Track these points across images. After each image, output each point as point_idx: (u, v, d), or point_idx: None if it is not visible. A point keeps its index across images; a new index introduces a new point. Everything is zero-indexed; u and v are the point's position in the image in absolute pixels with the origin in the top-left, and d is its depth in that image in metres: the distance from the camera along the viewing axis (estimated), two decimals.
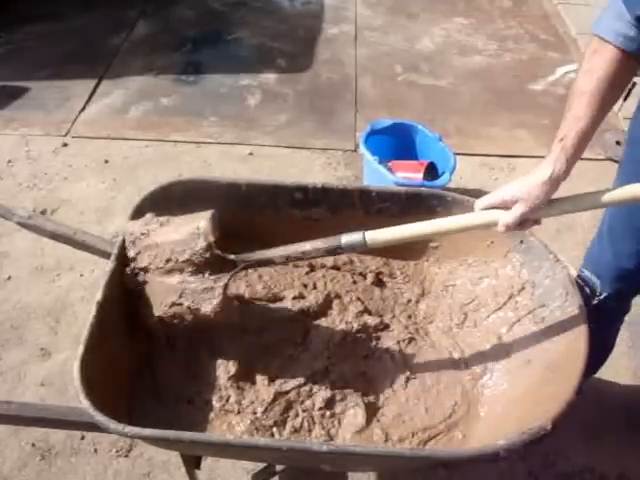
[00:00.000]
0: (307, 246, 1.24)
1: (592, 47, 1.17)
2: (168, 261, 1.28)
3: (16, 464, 1.85)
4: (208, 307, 1.27)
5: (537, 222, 1.22)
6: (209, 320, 1.29)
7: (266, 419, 1.32)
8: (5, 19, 3.83)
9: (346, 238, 1.22)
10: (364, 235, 1.21)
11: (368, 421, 1.33)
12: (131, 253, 1.32)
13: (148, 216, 1.36)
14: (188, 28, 3.95)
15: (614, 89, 1.15)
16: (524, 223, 1.19)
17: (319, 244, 1.24)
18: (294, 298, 1.50)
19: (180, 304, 1.28)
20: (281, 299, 1.51)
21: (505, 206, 1.17)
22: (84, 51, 3.67)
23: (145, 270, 1.31)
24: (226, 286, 1.28)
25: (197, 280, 1.28)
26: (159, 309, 1.30)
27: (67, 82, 3.40)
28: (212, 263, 1.27)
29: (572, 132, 1.14)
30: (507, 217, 1.17)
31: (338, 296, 1.52)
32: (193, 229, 1.28)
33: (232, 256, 1.28)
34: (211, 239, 1.27)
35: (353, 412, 1.35)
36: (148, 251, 1.30)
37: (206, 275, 1.28)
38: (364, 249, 1.24)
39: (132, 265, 1.32)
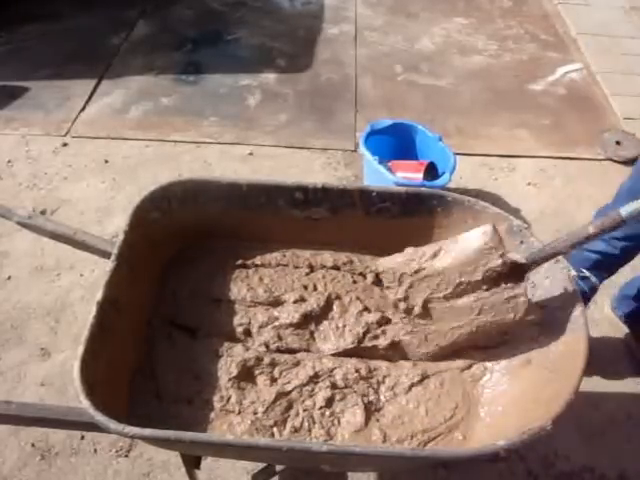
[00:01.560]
0: (590, 229, 1.24)
1: None
2: (459, 285, 1.33)
3: (16, 464, 1.85)
4: (514, 315, 1.31)
5: None
6: (514, 326, 1.33)
7: (267, 419, 1.32)
8: (5, 19, 3.82)
9: (626, 209, 1.19)
10: None
11: (367, 421, 1.34)
12: (399, 292, 1.39)
13: (409, 250, 1.40)
14: (188, 28, 3.95)
15: None
16: None
17: (602, 224, 1.23)
18: (295, 302, 1.50)
19: (480, 321, 1.34)
20: (282, 303, 1.51)
21: None
22: (84, 51, 3.66)
23: (426, 301, 1.37)
24: (526, 289, 1.31)
25: (495, 293, 1.32)
26: (455, 331, 1.36)
27: (67, 82, 3.39)
28: (505, 273, 1.31)
29: None
30: None
31: (339, 297, 1.52)
32: (480, 245, 1.32)
33: (523, 260, 1.32)
34: (502, 250, 1.31)
35: (352, 412, 1.35)
36: (426, 282, 1.36)
37: (503, 286, 1.32)
38: None
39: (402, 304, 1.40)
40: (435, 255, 1.37)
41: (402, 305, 1.42)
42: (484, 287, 1.32)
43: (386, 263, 1.43)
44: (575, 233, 1.27)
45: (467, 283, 1.32)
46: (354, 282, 1.57)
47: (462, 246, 1.34)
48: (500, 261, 1.29)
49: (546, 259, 1.32)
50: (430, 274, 1.36)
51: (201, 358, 1.40)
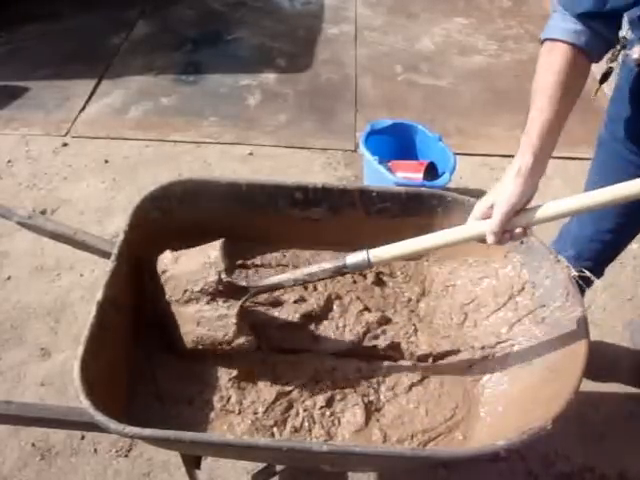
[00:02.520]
0: (314, 268, 1.27)
1: (545, 49, 1.23)
2: (185, 292, 1.33)
3: (16, 464, 1.85)
4: (222, 334, 1.31)
5: (525, 231, 1.18)
6: (227, 347, 1.33)
7: (267, 419, 1.32)
8: (5, 19, 3.83)
9: (351, 259, 1.23)
10: (368, 254, 1.22)
11: (367, 421, 1.33)
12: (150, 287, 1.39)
13: (166, 253, 1.40)
14: (188, 28, 3.95)
15: (571, 84, 1.18)
16: (512, 231, 1.16)
17: (325, 265, 1.26)
18: (295, 302, 1.50)
19: (199, 332, 1.33)
20: (282, 303, 1.51)
21: (488, 215, 1.16)
22: (84, 51, 3.67)
23: (167, 302, 1.36)
24: (239, 312, 1.31)
25: (212, 308, 1.32)
26: (184, 338, 1.35)
27: (67, 82, 3.40)
28: (224, 291, 1.31)
29: (535, 125, 1.16)
30: (491, 225, 1.14)
31: (339, 297, 1.52)
32: (205, 259, 1.33)
33: (243, 283, 1.33)
34: (221, 268, 1.30)
35: (352, 412, 1.35)
36: (168, 283, 1.36)
37: (219, 303, 1.32)
38: (369, 268, 1.25)
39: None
40: (176, 260, 1.37)
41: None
42: (205, 300, 1.32)
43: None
44: (299, 271, 1.29)
45: (191, 292, 1.33)
46: (354, 282, 1.57)
47: (196, 256, 1.36)
48: (216, 278, 1.30)
49: (269, 289, 1.34)
50: (169, 277, 1.36)
51: (202, 358, 1.40)
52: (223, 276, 1.30)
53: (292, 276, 1.29)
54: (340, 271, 1.26)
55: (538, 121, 1.16)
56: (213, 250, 1.34)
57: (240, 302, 1.31)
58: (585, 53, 1.20)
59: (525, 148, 1.16)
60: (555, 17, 1.26)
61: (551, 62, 1.20)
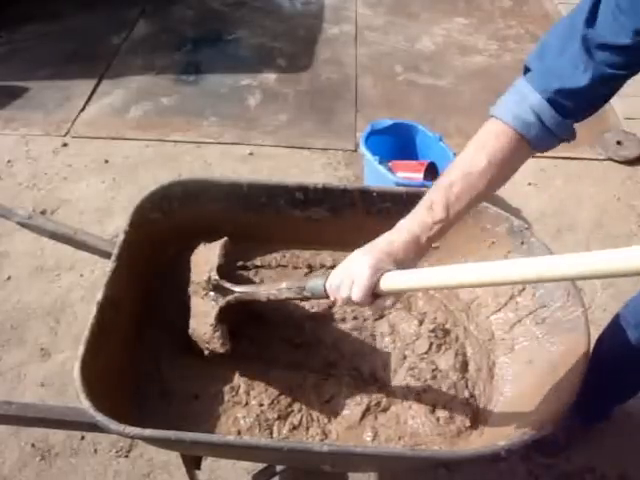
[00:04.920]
0: (282, 285, 1.23)
1: (490, 126, 1.09)
2: (192, 283, 1.37)
3: (16, 464, 1.85)
4: (203, 332, 1.31)
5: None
6: (206, 346, 1.32)
7: (271, 412, 1.32)
8: (5, 19, 3.82)
9: (309, 284, 1.16)
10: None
11: (362, 419, 1.34)
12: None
13: (200, 246, 1.44)
14: (188, 28, 3.95)
15: (501, 177, 1.09)
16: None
17: (287, 285, 1.22)
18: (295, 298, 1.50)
19: (192, 324, 1.34)
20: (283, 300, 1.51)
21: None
22: (84, 51, 3.66)
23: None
24: (218, 314, 1.30)
25: (203, 304, 1.33)
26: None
27: (67, 82, 3.39)
28: (215, 290, 1.33)
29: (438, 209, 1.06)
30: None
31: None
32: (208, 255, 1.36)
33: (228, 285, 1.33)
34: (214, 265, 1.32)
35: (349, 408, 1.35)
36: (191, 274, 1.39)
37: (209, 300, 1.33)
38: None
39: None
40: (198, 252, 1.42)
41: None
42: (201, 294, 1.34)
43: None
44: (273, 286, 1.25)
45: (197, 284, 1.35)
46: None
47: (206, 250, 1.40)
48: (207, 276, 1.32)
49: (249, 298, 1.31)
50: (191, 267, 1.40)
51: (203, 357, 1.40)
52: (213, 274, 1.32)
53: (266, 292, 1.27)
54: (301, 294, 1.18)
55: (440, 207, 1.05)
56: (215, 247, 1.37)
57: (219, 305, 1.31)
58: (532, 145, 1.07)
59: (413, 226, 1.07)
60: (512, 93, 1.09)
61: (492, 145, 1.07)
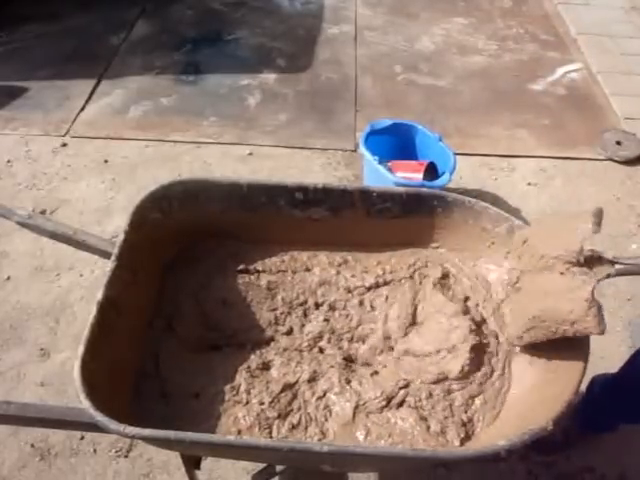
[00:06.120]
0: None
1: None
2: (542, 257, 1.24)
3: (16, 464, 1.85)
4: (567, 310, 1.18)
5: None
6: (567, 327, 1.19)
7: (272, 410, 1.32)
8: (5, 19, 3.82)
9: None
10: None
11: (355, 416, 1.33)
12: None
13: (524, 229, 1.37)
14: (188, 28, 3.95)
15: None
16: None
17: None
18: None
19: (543, 305, 1.22)
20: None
21: None
22: (83, 51, 3.66)
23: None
24: (593, 289, 1.16)
25: (560, 279, 1.20)
26: (530, 309, 1.26)
27: (67, 82, 3.39)
28: (583, 263, 1.19)
29: None
30: None
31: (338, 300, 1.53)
32: (560, 228, 1.24)
33: (610, 256, 1.19)
34: (587, 234, 1.18)
35: (343, 406, 1.35)
36: (525, 253, 1.31)
37: (575, 275, 1.18)
38: None
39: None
40: (534, 233, 1.32)
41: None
42: (562, 267, 1.19)
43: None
44: None
45: (554, 258, 1.21)
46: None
47: (555, 222, 1.29)
48: (578, 247, 1.17)
49: (629, 273, 1.20)
50: (528, 246, 1.30)
51: (206, 351, 1.40)
52: (587, 245, 1.17)
53: None
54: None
55: None
56: (575, 218, 1.23)
57: (597, 278, 1.17)
58: None
59: None
60: None
61: None
